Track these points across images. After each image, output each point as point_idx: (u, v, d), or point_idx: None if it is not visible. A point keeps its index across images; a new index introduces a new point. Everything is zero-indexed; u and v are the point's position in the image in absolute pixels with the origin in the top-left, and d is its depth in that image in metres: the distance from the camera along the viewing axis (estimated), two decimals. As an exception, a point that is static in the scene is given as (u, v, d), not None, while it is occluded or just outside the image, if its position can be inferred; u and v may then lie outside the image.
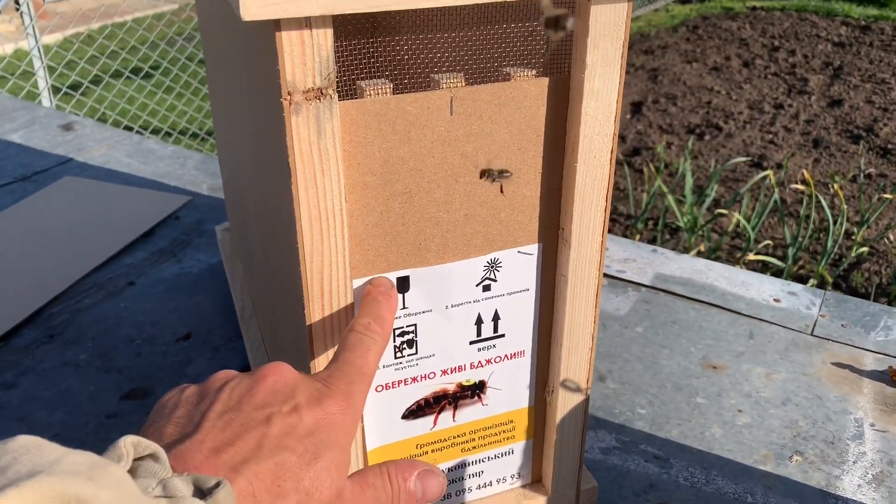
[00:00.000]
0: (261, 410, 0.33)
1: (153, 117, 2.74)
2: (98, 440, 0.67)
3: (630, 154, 2.73)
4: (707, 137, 2.86)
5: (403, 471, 0.37)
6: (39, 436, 0.26)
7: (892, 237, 2.13)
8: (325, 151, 0.38)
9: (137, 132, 2.63)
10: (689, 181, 2.15)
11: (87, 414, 0.70)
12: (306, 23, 0.35)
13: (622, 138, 2.87)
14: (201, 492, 0.28)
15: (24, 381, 0.74)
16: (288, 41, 0.35)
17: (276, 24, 0.34)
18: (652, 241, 2.14)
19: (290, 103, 0.36)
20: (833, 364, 0.75)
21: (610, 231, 2.22)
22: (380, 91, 0.39)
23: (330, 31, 0.35)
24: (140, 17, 3.21)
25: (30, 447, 0.25)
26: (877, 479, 0.61)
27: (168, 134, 2.72)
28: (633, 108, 3.19)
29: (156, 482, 0.27)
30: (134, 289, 0.89)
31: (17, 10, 2.44)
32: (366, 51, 0.41)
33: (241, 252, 0.79)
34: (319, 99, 0.36)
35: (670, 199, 2.08)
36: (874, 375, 0.73)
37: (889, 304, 1.84)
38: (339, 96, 0.41)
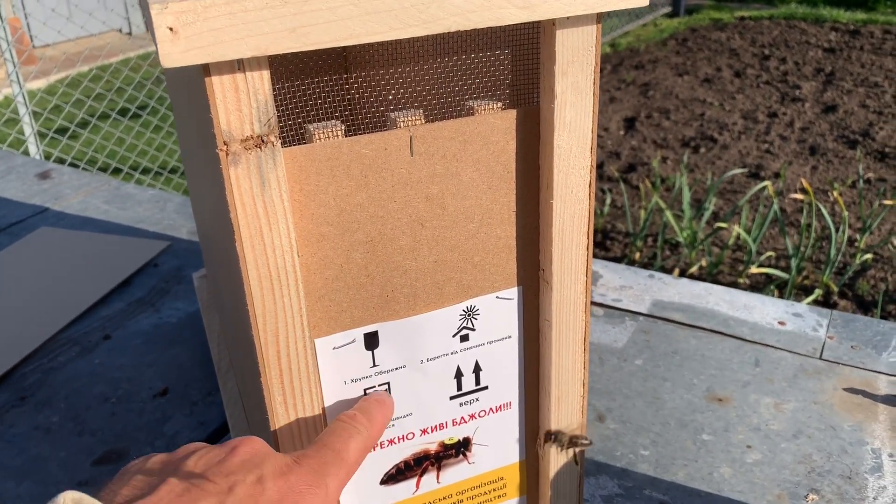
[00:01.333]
0: (225, 479, 0.31)
1: (142, 157, 2.72)
2: (68, 511, 0.63)
3: (625, 171, 2.70)
4: (702, 150, 2.83)
5: None
6: None
7: (895, 242, 2.09)
8: (270, 204, 0.34)
9: (127, 174, 2.61)
10: (687, 195, 2.12)
11: (58, 482, 0.66)
12: (238, 66, 0.31)
13: (616, 155, 2.84)
14: None
15: (-8, 450, 0.70)
16: (219, 86, 0.31)
17: (205, 69, 0.31)
18: (652, 259, 2.10)
19: (228, 154, 0.32)
20: (845, 390, 0.71)
21: (609, 250, 2.18)
22: (330, 134, 0.35)
23: (266, 73, 0.32)
24: (125, 58, 3.21)
25: None
26: (900, 517, 0.57)
27: (158, 174, 2.70)
28: (627, 123, 3.17)
29: None
30: (110, 343, 0.85)
31: (3, 56, 2.43)
32: (313, 91, 0.37)
33: (216, 301, 0.75)
34: (260, 147, 0.33)
35: (668, 214, 2.04)
36: (889, 400, 0.69)
37: (897, 311, 1.80)
38: (289, 142, 0.37)
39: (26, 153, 2.45)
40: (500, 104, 0.38)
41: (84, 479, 0.66)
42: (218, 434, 0.70)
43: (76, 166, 2.58)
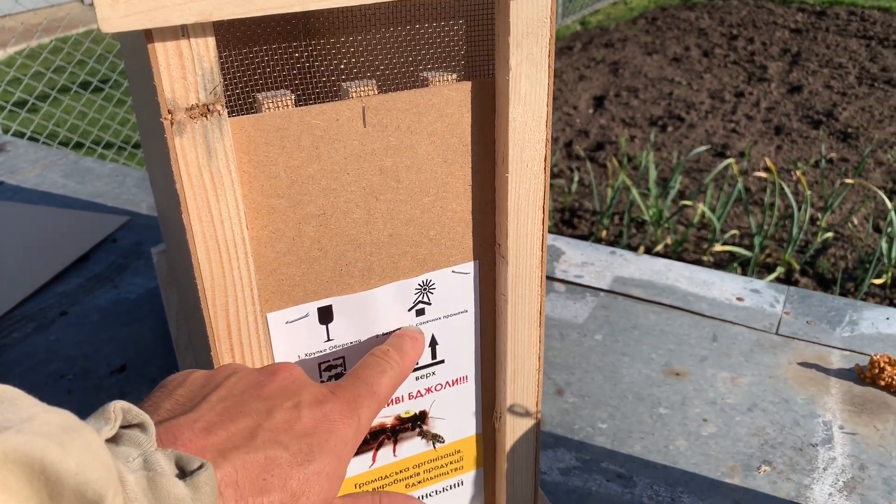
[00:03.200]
0: (263, 402, 0.32)
1: (104, 131, 2.66)
2: (22, 488, 0.62)
3: (593, 149, 2.71)
4: (670, 129, 2.84)
5: (396, 502, 0.37)
6: None
7: (855, 221, 2.13)
8: (217, 175, 0.33)
9: (89, 147, 2.56)
10: (653, 174, 2.13)
11: (11, 460, 0.65)
12: (182, 32, 0.30)
13: (585, 133, 2.85)
14: (183, 471, 0.26)
15: (-56, 427, 0.69)
16: (163, 53, 0.30)
17: (147, 35, 0.30)
18: (618, 236, 2.12)
19: (172, 123, 0.32)
20: (799, 364, 0.72)
21: (576, 228, 2.19)
22: (280, 103, 0.35)
23: (211, 40, 0.31)
24: (87, 30, 3.13)
25: (4, 398, 0.22)
26: (848, 487, 0.59)
27: (121, 148, 2.65)
28: (595, 102, 3.18)
29: (138, 453, 0.26)
30: (66, 319, 0.83)
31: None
32: (261, 60, 0.37)
33: (175, 276, 0.74)
34: (206, 116, 0.32)
35: (635, 192, 2.06)
36: (841, 374, 0.71)
37: (856, 288, 1.84)
38: (238, 111, 0.36)
39: (-17, 126, 2.38)
40: (454, 76, 0.38)
41: (39, 456, 0.66)
42: (176, 410, 0.70)
43: (36, 140, 2.52)
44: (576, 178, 2.38)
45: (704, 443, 0.63)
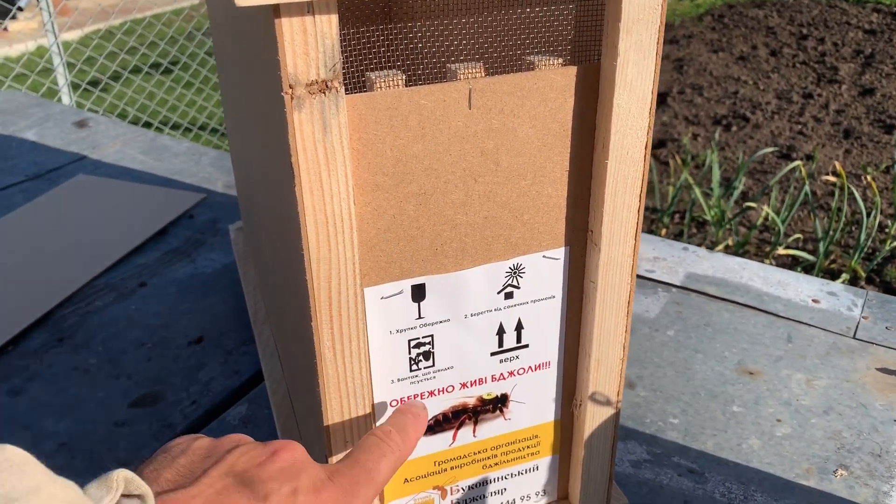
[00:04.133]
0: (262, 484, 0.32)
1: (172, 112, 2.73)
2: (105, 449, 0.65)
3: (655, 146, 2.67)
4: (734, 128, 2.79)
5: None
6: (45, 446, 0.25)
7: (928, 230, 2.06)
8: (331, 150, 0.34)
9: (157, 128, 2.63)
10: (717, 173, 2.09)
11: (95, 422, 0.68)
12: (308, 8, 0.31)
13: (647, 130, 2.81)
14: None
15: (32, 387, 0.72)
16: (288, 28, 0.31)
17: (276, 10, 0.31)
18: (678, 236, 2.09)
19: (293, 97, 0.33)
20: (878, 370, 0.70)
21: (635, 225, 2.17)
22: (391, 83, 0.36)
23: (335, 17, 0.32)
24: (159, 12, 3.21)
25: (14, 463, 0.24)
26: (929, 496, 0.57)
27: (188, 129, 2.71)
28: (658, 98, 3.13)
29: None
30: (146, 290, 0.86)
31: (39, 6, 2.44)
32: (376, 39, 0.37)
33: (254, 253, 0.76)
34: (324, 92, 0.33)
35: (697, 191, 2.02)
36: (923, 382, 0.69)
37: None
38: (347, 89, 0.37)
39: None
40: (560, 60, 0.38)
41: (121, 419, 0.68)
42: (251, 383, 0.72)
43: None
44: (636, 175, 2.35)
45: (778, 443, 0.62)
